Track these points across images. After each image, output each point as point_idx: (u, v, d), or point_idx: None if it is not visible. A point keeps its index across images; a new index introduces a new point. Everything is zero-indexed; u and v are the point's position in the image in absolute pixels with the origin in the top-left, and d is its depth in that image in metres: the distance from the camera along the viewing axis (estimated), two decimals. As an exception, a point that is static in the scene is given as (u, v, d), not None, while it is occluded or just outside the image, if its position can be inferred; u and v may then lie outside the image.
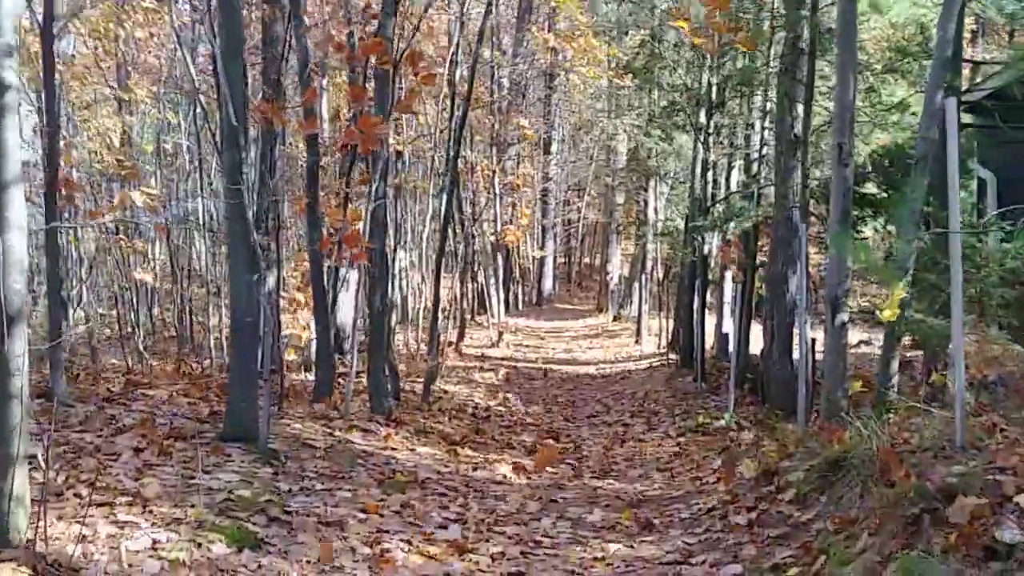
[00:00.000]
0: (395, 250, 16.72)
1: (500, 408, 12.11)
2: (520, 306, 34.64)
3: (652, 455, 8.78)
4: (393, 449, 7.25)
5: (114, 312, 15.14)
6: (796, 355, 11.41)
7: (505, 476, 7.18)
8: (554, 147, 35.25)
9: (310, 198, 9.22)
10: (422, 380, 12.69)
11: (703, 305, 14.58)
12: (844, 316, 7.80)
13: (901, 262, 7.58)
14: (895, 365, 7.68)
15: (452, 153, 11.51)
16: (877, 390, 7.69)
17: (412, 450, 7.47)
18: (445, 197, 11.72)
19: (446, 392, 12.72)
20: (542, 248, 35.39)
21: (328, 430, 7.38)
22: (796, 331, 11.47)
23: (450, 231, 21.40)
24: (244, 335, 6.64)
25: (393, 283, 17.31)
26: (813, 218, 12.07)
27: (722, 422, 10.38)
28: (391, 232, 11.73)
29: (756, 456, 7.36)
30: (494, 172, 18.52)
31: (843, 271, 7.80)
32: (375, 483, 6.26)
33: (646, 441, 10.04)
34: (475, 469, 7.17)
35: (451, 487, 6.65)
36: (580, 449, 9.34)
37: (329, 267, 11.94)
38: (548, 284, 35.77)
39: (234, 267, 6.73)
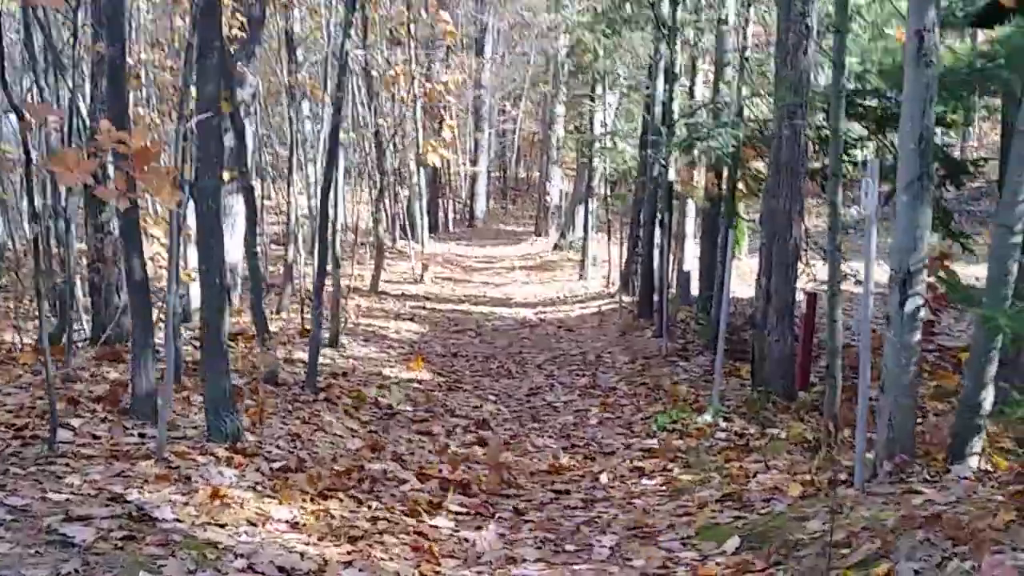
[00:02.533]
0: (290, 171, 13.75)
1: (415, 387, 9.34)
2: (451, 227, 31.76)
3: (620, 494, 6.08)
4: (217, 524, 4.49)
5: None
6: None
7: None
8: (487, 50, 31.96)
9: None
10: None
11: (667, 243, 11.83)
12: (918, 300, 5.15)
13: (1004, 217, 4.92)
14: (991, 371, 5.07)
15: (339, 43, 8.45)
16: (967, 414, 5.09)
17: (254, 520, 4.72)
18: (334, 100, 8.63)
19: (346, 364, 9.90)
20: (475, 164, 32.33)
21: (120, 484, 4.55)
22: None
23: (363, 147, 18.39)
24: None
25: (291, 214, 14.39)
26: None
27: (705, 417, 7.76)
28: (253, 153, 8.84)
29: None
30: (413, 78, 15.46)
31: (918, 232, 5.11)
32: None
33: (606, 450, 7.37)
34: (349, 562, 4.41)
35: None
36: (516, 477, 6.60)
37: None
38: (481, 204, 32.84)
39: None
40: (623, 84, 16.82)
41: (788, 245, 8.23)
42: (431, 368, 10.45)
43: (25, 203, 11.69)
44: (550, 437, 7.88)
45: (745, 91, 10.75)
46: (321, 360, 9.64)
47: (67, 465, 4.54)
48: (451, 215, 33.59)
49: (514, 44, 34.68)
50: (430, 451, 7.06)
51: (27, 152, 4.64)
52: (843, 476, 5.53)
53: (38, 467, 4.45)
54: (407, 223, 20.92)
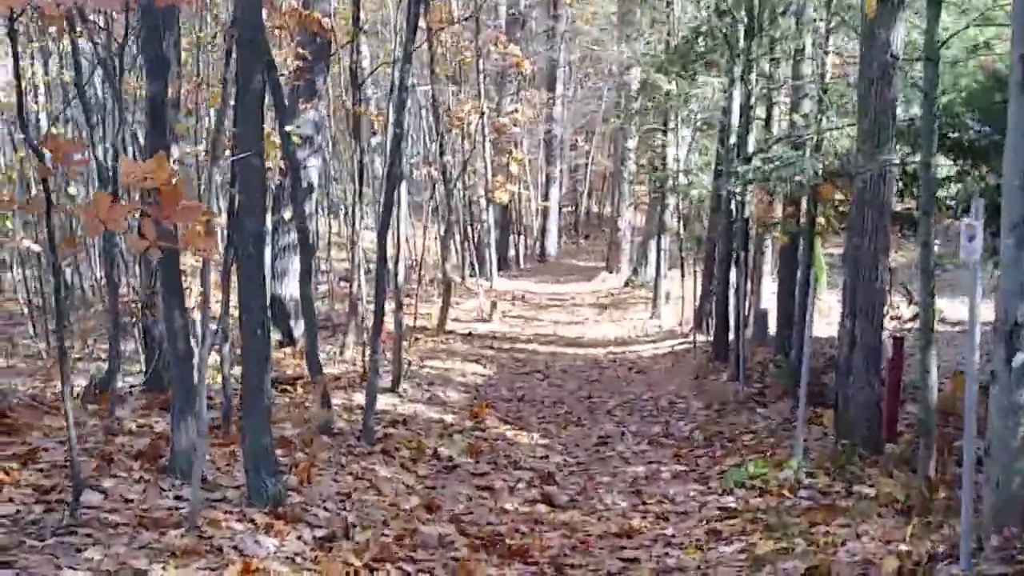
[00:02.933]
0: (354, 205, 13.49)
1: (477, 435, 8.94)
2: (522, 263, 31.42)
3: (695, 563, 5.57)
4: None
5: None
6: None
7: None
8: (558, 85, 31.71)
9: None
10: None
11: (743, 282, 11.28)
12: (1028, 355, 4.59)
13: None
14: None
15: (399, 77, 8.13)
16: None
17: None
18: (391, 137, 8.30)
19: (407, 411, 9.55)
20: (546, 199, 31.98)
21: (145, 558, 4.18)
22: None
23: (431, 183, 18.17)
24: None
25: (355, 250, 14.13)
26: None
27: (786, 473, 7.20)
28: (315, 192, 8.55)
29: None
30: (482, 113, 15.19)
31: (1028, 280, 4.57)
32: None
33: (680, 509, 6.85)
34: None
35: None
36: (582, 541, 6.15)
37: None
38: (552, 239, 32.39)
39: None
40: (696, 118, 16.33)
41: (874, 286, 7.68)
42: (496, 415, 10.04)
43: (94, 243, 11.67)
44: (619, 493, 7.39)
45: (824, 123, 10.20)
46: (380, 407, 9.32)
47: (89, 535, 4.21)
48: (522, 251, 33.26)
49: (585, 77, 34.43)
50: (490, 509, 6.63)
51: (47, 195, 4.35)
52: (942, 548, 4.97)
53: (57, 538, 4.13)
54: (476, 260, 20.59)
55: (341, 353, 12.06)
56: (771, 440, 8.56)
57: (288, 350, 13.00)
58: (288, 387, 10.08)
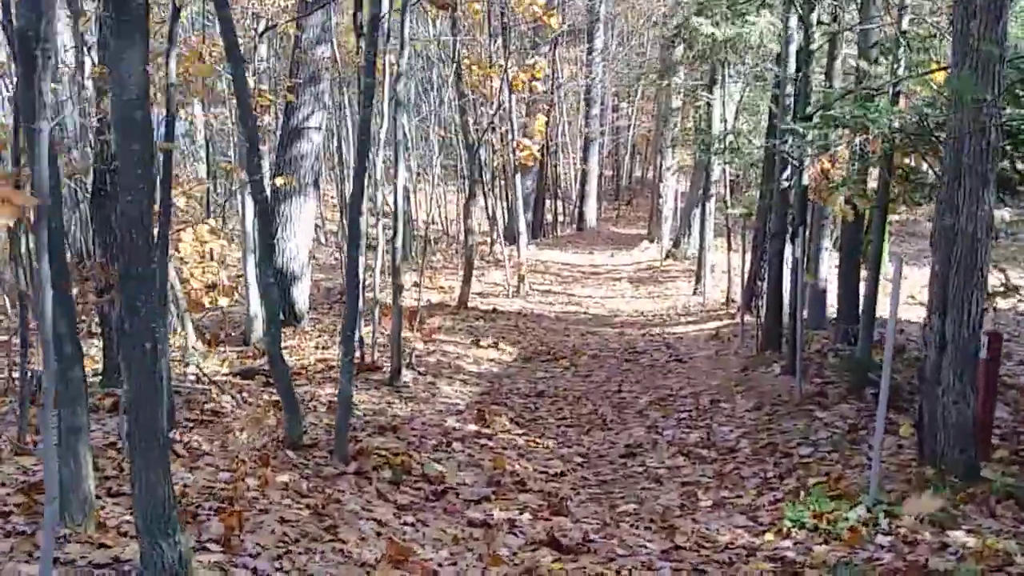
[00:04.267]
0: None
1: (482, 444, 7.51)
2: (558, 230, 29.88)
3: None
4: None
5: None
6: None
7: None
8: (598, 42, 29.92)
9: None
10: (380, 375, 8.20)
11: (801, 260, 9.66)
12: None
13: None
14: None
15: (367, 19, 6.60)
16: None
17: None
18: (364, 93, 6.74)
19: (403, 411, 8.15)
20: (585, 163, 30.33)
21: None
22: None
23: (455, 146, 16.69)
24: None
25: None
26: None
27: (860, 511, 5.71)
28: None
29: None
30: (504, 67, 13.64)
31: None
32: None
33: (721, 557, 5.38)
34: None
35: None
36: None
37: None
38: (591, 205, 30.75)
39: None
40: (746, 73, 14.63)
41: (973, 276, 6.11)
42: (507, 415, 8.61)
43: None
44: (647, 528, 5.94)
45: (901, 72, 8.56)
46: (371, 406, 7.96)
47: None
48: (560, 218, 31.73)
49: (629, 33, 32.62)
50: (480, 556, 5.21)
51: None
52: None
53: None
54: (506, 228, 19.11)
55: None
56: (835, 456, 7.06)
57: (288, 330, 11.68)
58: (269, 380, 8.74)
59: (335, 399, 8.09)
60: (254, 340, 11.00)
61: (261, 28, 11.34)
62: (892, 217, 14.70)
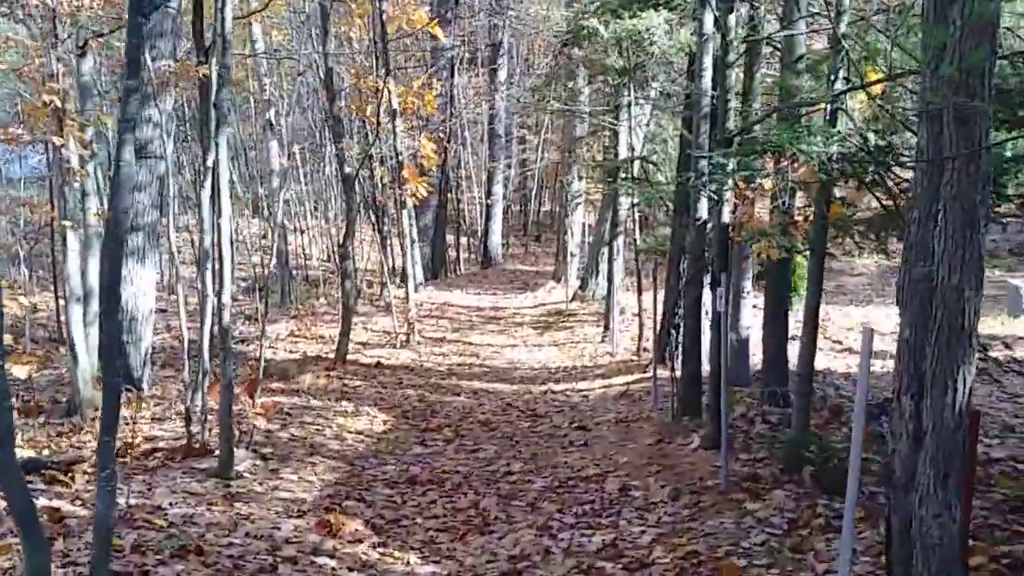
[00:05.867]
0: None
1: (320, 566, 5.69)
2: (462, 267, 28.21)
3: None
4: None
5: None
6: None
7: None
8: (501, 72, 28.51)
9: None
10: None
11: (725, 308, 8.02)
12: None
13: None
14: None
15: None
16: None
17: None
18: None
19: (221, 520, 6.26)
20: (489, 197, 28.75)
21: None
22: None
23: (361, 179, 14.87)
24: None
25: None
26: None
27: None
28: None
29: None
30: (379, 91, 11.97)
31: None
32: None
33: None
34: None
35: None
36: None
37: None
38: (496, 241, 29.14)
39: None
40: (655, 98, 13.17)
41: (958, 344, 4.56)
42: (365, 514, 6.81)
43: None
44: None
45: (839, 85, 7.07)
46: (185, 509, 6.12)
47: None
48: (465, 254, 30.07)
49: (532, 64, 31.36)
50: None
51: None
52: None
53: None
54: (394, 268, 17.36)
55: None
56: (775, 571, 5.45)
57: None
58: (61, 476, 6.82)
59: (144, 500, 6.26)
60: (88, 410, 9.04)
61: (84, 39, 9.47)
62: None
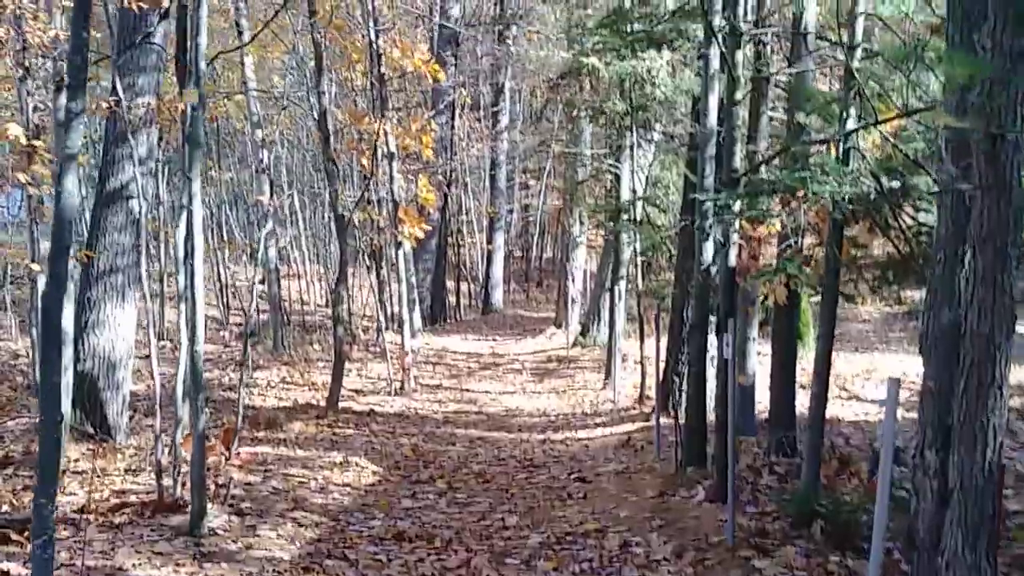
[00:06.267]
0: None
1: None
2: (462, 313, 27.86)
3: None
4: None
5: None
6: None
7: None
8: (503, 118, 28.38)
9: None
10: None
11: (732, 357, 7.61)
12: None
13: None
14: None
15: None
16: None
17: None
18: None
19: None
20: (490, 243, 28.48)
21: None
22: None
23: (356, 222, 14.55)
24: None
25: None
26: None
27: None
28: None
29: None
30: (376, 134, 11.69)
31: None
32: None
33: None
34: None
35: None
36: None
37: None
38: (497, 288, 28.80)
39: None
40: (656, 132, 12.88)
41: (988, 396, 4.17)
42: (347, 574, 6.36)
43: None
44: None
45: (851, 124, 6.73)
46: (147, 572, 5.68)
47: None
48: (466, 300, 29.73)
49: (535, 110, 31.28)
50: None
51: None
52: None
53: None
54: (384, 314, 16.98)
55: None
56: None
57: (94, 448, 9.25)
58: (15, 536, 6.36)
59: (104, 563, 5.82)
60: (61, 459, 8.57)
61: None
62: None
